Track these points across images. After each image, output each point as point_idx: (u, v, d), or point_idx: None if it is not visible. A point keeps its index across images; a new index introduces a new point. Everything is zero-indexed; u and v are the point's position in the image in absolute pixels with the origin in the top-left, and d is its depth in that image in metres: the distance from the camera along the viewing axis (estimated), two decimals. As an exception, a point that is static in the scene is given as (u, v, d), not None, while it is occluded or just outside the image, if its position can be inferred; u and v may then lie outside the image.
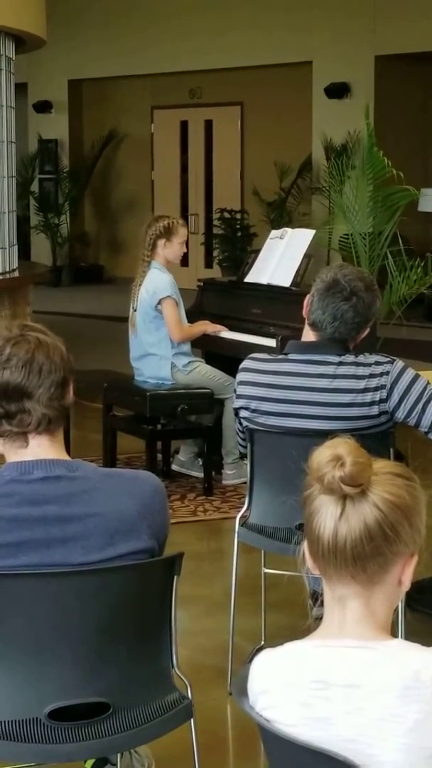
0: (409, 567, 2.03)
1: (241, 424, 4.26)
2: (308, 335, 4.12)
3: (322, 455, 1.99)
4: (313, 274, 4.46)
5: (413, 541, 2.01)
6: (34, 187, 19.47)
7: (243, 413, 4.19)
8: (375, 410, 3.96)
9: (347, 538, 1.96)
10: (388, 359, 4.01)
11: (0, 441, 2.77)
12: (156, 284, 6.96)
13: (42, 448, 2.74)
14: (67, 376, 2.76)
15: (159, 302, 6.94)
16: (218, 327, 7.21)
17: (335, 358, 4.00)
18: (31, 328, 2.78)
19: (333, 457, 1.97)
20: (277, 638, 2.16)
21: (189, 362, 7.07)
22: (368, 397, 3.95)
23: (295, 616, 4.67)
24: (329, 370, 3.99)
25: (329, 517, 1.97)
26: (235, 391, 4.23)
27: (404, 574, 2.03)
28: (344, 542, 1.97)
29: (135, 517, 2.75)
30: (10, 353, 2.71)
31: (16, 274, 9.69)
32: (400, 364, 4.00)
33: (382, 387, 3.94)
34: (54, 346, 2.75)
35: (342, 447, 1.99)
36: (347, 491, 1.96)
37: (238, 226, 17.26)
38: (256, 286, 7.24)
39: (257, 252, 7.55)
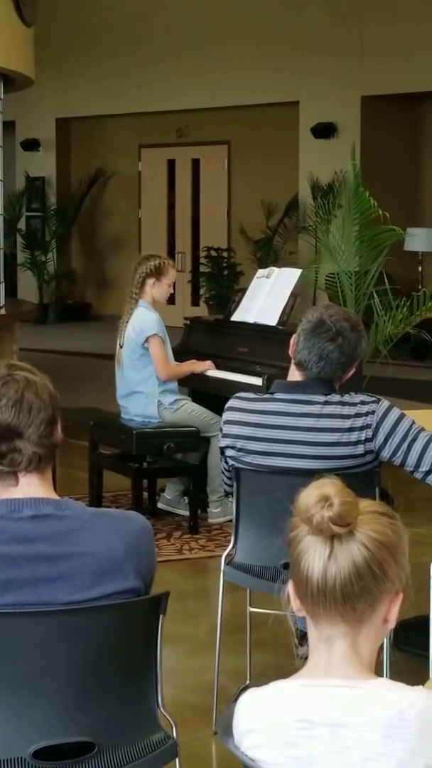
0: (395, 605, 2.04)
1: (227, 462, 4.26)
2: (294, 374, 4.14)
3: (309, 496, 1.99)
4: (300, 312, 4.49)
5: (399, 579, 2.02)
6: (21, 224, 19.47)
7: (229, 452, 4.20)
8: (360, 449, 3.97)
9: (337, 578, 1.97)
10: (373, 399, 4.02)
11: None
12: (143, 322, 6.98)
13: (32, 487, 2.75)
14: (56, 413, 2.78)
15: (146, 340, 6.96)
16: (205, 365, 7.21)
17: (321, 398, 4.01)
18: (18, 368, 2.80)
19: (321, 497, 1.98)
20: (262, 677, 2.17)
21: (175, 400, 7.07)
22: (354, 436, 3.96)
23: (281, 656, 4.68)
24: (315, 409, 4.00)
25: (318, 558, 1.98)
26: (221, 429, 4.24)
27: (390, 612, 2.04)
28: (334, 582, 1.97)
29: (122, 557, 2.75)
30: (0, 393, 2.72)
31: (3, 311, 9.70)
32: (385, 403, 4.02)
33: (368, 426, 3.95)
34: (42, 384, 2.77)
35: (329, 487, 2.00)
36: (336, 531, 1.96)
37: (224, 265, 17.30)
38: (243, 325, 7.26)
39: (244, 291, 7.57)
